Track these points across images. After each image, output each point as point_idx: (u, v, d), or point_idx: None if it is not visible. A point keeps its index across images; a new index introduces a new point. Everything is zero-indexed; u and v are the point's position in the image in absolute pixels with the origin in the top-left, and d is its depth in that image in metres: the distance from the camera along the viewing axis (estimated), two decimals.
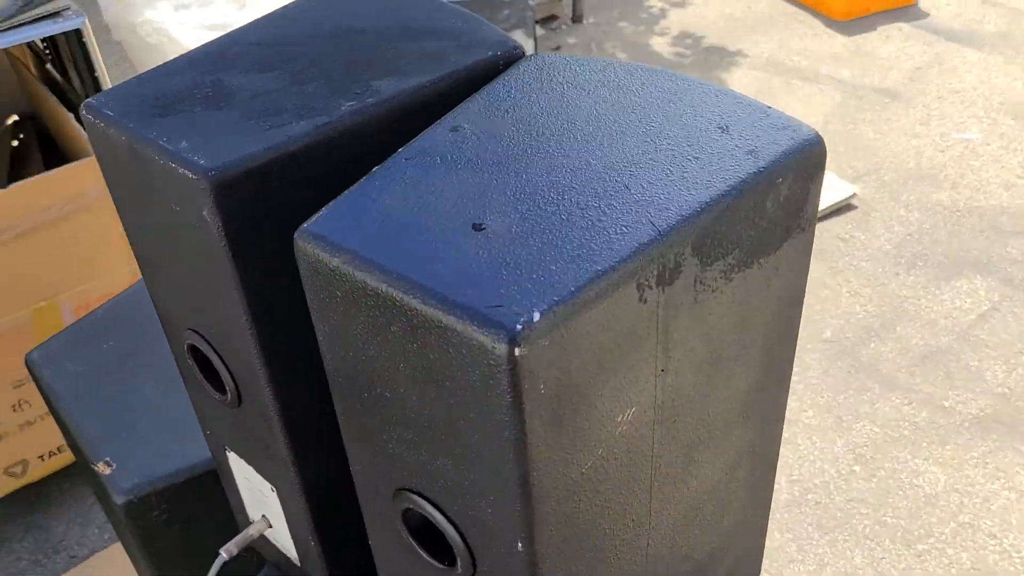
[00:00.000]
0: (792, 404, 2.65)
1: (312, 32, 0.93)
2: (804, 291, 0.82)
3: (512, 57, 0.87)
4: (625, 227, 0.63)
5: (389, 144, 0.78)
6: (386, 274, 0.61)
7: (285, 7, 0.99)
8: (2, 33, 1.97)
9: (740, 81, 4.05)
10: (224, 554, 1.06)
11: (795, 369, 2.75)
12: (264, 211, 0.77)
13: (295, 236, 0.67)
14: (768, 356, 0.82)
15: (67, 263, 2.15)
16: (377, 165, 0.74)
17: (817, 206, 0.76)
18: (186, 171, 0.74)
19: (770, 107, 0.75)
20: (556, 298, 0.58)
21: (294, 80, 0.85)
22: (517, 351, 0.56)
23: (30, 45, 2.54)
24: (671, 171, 0.68)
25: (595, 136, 0.73)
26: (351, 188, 0.70)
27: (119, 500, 1.32)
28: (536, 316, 0.57)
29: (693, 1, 4.74)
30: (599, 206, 0.65)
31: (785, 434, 2.59)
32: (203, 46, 0.92)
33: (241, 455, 1.04)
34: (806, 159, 0.71)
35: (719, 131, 0.72)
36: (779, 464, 2.47)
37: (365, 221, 0.66)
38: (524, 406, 0.59)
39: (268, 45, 0.91)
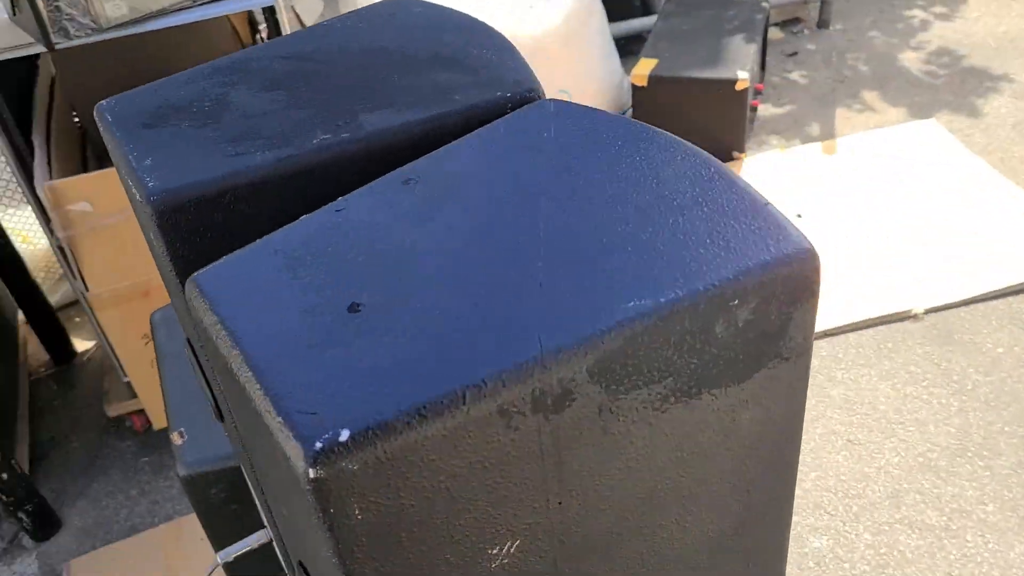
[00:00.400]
0: (969, 493, 2.31)
1: (340, 50, 0.88)
2: (800, 421, 0.67)
3: (523, 101, 0.78)
4: (505, 339, 0.53)
5: (359, 182, 0.72)
6: (236, 349, 0.55)
7: (339, 16, 0.95)
8: (203, 6, 2.10)
9: (998, 111, 3.57)
10: (219, 559, 1.06)
11: (983, 453, 2.41)
12: (215, 239, 0.73)
13: (186, 281, 0.63)
14: (747, 494, 0.68)
15: None
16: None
17: (809, 333, 0.60)
18: (136, 191, 0.72)
19: (768, 205, 0.60)
20: (378, 417, 0.49)
21: (291, 103, 0.80)
22: (312, 472, 0.48)
23: (249, 14, 2.70)
24: (600, 274, 0.57)
25: (548, 215, 0.62)
26: (264, 238, 0.65)
27: (181, 472, 1.37)
28: (344, 435, 0.48)
29: (962, 14, 4.23)
30: (494, 306, 0.55)
31: (953, 526, 2.26)
32: (235, 54, 0.89)
33: (243, 467, 1.03)
34: (783, 279, 0.57)
35: (686, 230, 0.59)
36: (936, 559, 2.17)
37: (251, 281, 0.61)
38: (334, 531, 0.51)
39: (292, 59, 0.87)
